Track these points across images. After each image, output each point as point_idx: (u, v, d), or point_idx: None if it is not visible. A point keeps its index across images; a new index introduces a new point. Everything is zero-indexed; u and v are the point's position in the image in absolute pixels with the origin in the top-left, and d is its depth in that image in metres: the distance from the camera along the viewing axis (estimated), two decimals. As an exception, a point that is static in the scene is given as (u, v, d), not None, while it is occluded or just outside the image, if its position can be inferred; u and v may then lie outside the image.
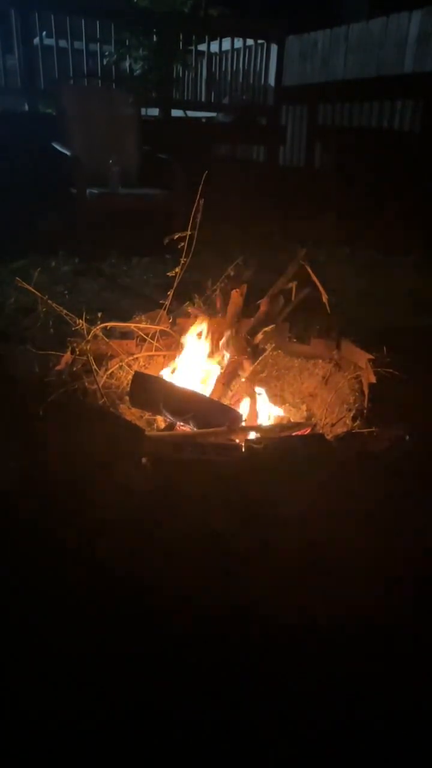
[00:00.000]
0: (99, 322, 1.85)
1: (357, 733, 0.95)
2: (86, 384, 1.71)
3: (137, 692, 1.00)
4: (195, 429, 1.57)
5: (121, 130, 4.24)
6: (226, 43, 5.43)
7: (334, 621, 1.13)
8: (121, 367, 1.90)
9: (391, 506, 1.39)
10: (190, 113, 5.58)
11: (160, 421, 1.75)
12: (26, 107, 4.54)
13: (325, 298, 1.78)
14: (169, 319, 2.06)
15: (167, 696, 1.00)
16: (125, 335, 2.00)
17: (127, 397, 1.75)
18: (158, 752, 0.91)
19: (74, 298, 2.97)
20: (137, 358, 1.96)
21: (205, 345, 1.86)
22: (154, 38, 4.96)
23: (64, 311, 1.81)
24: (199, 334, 1.86)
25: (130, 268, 3.72)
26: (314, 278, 1.79)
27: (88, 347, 1.75)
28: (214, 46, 5.53)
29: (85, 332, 1.77)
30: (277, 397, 2.01)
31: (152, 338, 1.99)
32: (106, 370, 1.86)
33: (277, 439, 1.56)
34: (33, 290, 1.75)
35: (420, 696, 1.02)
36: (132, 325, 1.98)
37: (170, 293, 1.95)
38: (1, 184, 3.95)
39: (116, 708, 0.97)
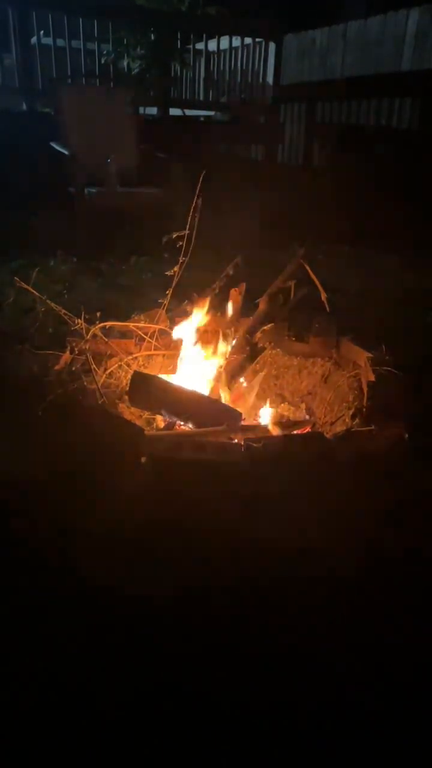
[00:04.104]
0: (98, 322, 1.85)
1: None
2: (85, 383, 1.71)
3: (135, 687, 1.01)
4: (194, 428, 1.57)
5: (119, 130, 4.23)
6: (224, 42, 5.42)
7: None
8: (120, 366, 1.90)
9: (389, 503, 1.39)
10: (188, 112, 5.57)
11: (160, 421, 1.75)
12: (24, 107, 4.53)
13: (324, 296, 1.78)
14: (168, 318, 2.05)
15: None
16: (124, 335, 2.00)
17: (126, 397, 1.75)
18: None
19: (73, 298, 2.96)
20: (136, 357, 1.96)
21: (204, 344, 1.86)
22: (152, 37, 4.96)
23: (63, 311, 1.81)
24: (199, 332, 1.86)
25: (128, 267, 3.71)
26: (313, 277, 1.79)
27: (87, 347, 1.75)
28: (212, 45, 5.53)
29: (84, 332, 1.77)
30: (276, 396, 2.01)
31: (151, 337, 1.99)
32: (105, 369, 1.86)
33: (277, 437, 1.56)
34: (31, 290, 1.75)
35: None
36: (131, 325, 1.98)
37: (169, 292, 1.94)
38: (-1, 184, 3.95)
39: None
